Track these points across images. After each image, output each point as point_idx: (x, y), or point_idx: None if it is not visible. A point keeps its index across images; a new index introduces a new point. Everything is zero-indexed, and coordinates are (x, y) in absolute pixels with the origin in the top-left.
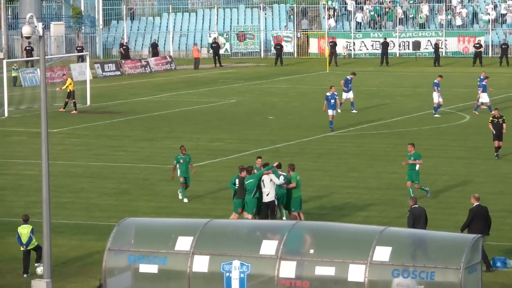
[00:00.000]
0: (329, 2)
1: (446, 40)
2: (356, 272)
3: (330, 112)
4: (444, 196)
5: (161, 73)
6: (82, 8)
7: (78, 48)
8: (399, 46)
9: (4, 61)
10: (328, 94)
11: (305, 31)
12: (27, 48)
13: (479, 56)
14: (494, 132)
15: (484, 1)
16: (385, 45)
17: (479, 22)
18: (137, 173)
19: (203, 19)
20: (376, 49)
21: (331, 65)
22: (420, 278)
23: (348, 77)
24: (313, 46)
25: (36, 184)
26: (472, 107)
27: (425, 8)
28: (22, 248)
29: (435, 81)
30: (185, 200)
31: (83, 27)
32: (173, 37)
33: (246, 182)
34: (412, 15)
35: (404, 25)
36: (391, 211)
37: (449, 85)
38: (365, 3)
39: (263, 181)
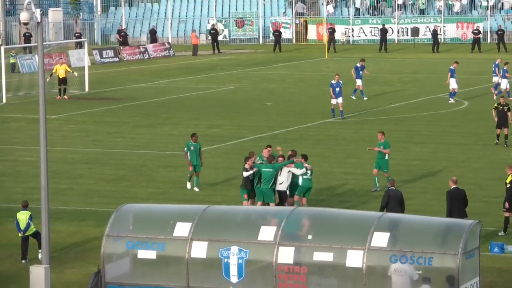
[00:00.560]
0: None
1: (444, 26)
2: (354, 258)
3: (333, 101)
4: (441, 182)
5: (159, 60)
6: None
7: (76, 34)
8: (398, 32)
9: (2, 48)
10: (333, 82)
11: (302, 17)
12: (26, 34)
13: (477, 42)
14: (497, 120)
15: None
16: (383, 32)
17: (477, 8)
18: (135, 159)
19: (201, 5)
20: (374, 36)
21: (330, 52)
22: (418, 263)
23: (357, 64)
24: (312, 33)
25: (34, 170)
26: (471, 94)
27: None
28: (20, 234)
29: (451, 67)
30: (196, 189)
31: (81, 13)
32: (171, 24)
33: (263, 170)
34: (411, 1)
35: (402, 11)
36: None
37: (447, 71)
38: None
39: (281, 169)
